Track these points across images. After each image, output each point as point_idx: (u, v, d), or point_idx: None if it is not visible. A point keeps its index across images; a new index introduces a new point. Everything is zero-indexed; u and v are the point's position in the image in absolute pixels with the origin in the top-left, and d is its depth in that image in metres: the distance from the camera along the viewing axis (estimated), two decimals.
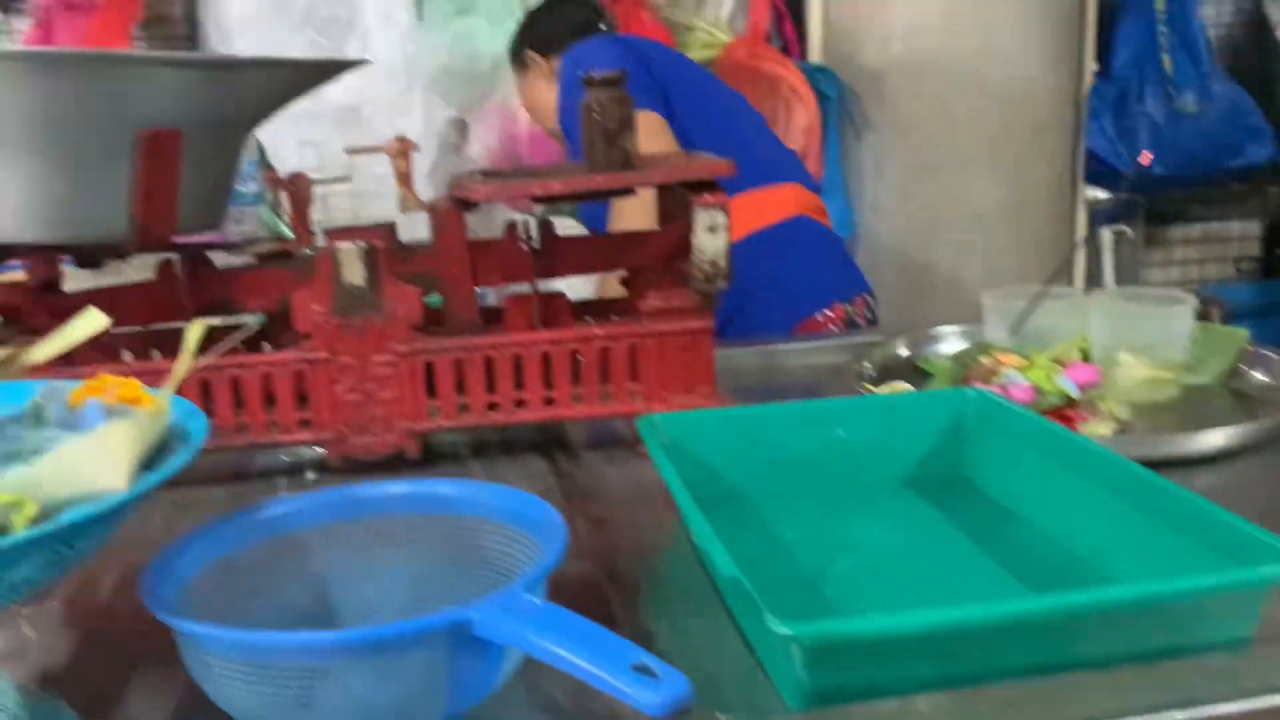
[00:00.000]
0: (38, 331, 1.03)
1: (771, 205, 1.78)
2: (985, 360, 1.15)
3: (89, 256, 1.02)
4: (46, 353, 0.63)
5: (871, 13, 2.56)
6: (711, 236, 1.00)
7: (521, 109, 2.41)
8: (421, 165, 2.63)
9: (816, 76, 2.51)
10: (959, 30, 2.47)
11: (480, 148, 2.56)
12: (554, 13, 2.01)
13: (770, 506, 0.89)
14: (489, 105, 2.53)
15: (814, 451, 0.94)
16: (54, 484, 0.48)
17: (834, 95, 2.57)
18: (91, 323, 0.64)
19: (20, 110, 0.85)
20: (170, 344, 1.07)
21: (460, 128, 2.61)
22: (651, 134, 1.64)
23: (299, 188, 1.04)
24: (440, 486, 0.74)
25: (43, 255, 1.02)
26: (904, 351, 1.30)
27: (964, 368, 1.19)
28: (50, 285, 1.08)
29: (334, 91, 2.69)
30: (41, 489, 0.48)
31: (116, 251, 0.98)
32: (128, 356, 1.10)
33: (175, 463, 0.54)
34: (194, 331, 0.58)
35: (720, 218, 1.00)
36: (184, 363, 0.57)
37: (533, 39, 1.99)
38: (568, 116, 1.82)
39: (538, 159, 2.48)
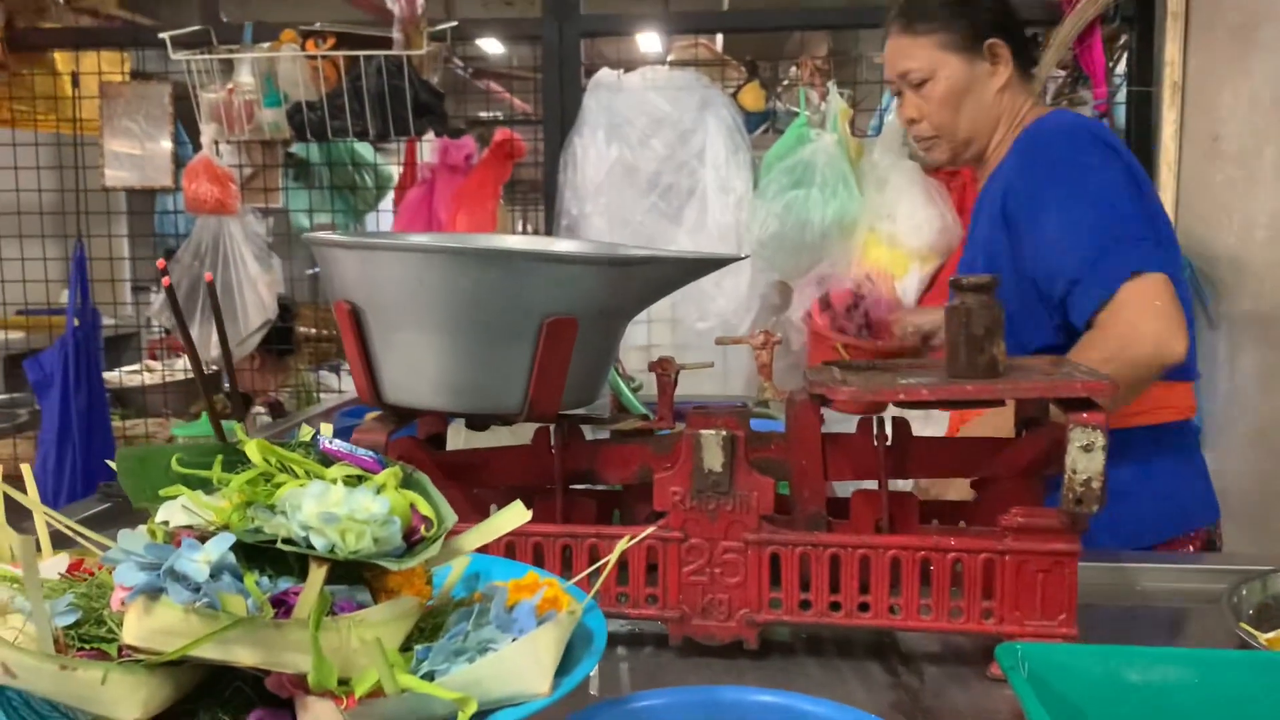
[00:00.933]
0: None
1: (1169, 400, 1.55)
2: None
3: (479, 421, 1.12)
4: (475, 541, 0.69)
5: (1231, 199, 2.40)
6: (1087, 456, 0.96)
7: (841, 273, 2.45)
8: (744, 322, 2.72)
9: None
10: None
11: (801, 311, 2.60)
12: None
13: None
14: (812, 273, 2.59)
15: (1195, 707, 0.85)
16: (491, 683, 0.52)
17: (1186, 283, 2.42)
18: (516, 516, 0.69)
19: (443, 296, 0.95)
20: (540, 503, 1.15)
21: (783, 291, 2.68)
22: (1152, 300, 1.34)
23: (665, 369, 1.09)
24: (802, 703, 0.73)
25: (437, 415, 1.14)
26: None
27: None
28: (436, 439, 1.20)
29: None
30: (480, 686, 0.52)
31: (505, 420, 1.07)
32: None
33: (583, 670, 0.57)
34: (620, 545, 0.61)
35: (1099, 438, 0.95)
36: (604, 573, 0.61)
37: (1005, 24, 1.60)
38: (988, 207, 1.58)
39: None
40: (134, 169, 2.80)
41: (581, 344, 1.02)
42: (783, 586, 1.03)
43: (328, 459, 0.65)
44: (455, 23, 2.61)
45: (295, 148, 2.80)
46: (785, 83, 2.85)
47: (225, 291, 2.68)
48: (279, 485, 0.60)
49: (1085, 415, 0.96)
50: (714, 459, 1.03)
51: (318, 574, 0.55)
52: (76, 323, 2.89)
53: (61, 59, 2.87)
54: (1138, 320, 1.33)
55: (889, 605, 1.02)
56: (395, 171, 2.92)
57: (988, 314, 1.05)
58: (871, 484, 1.10)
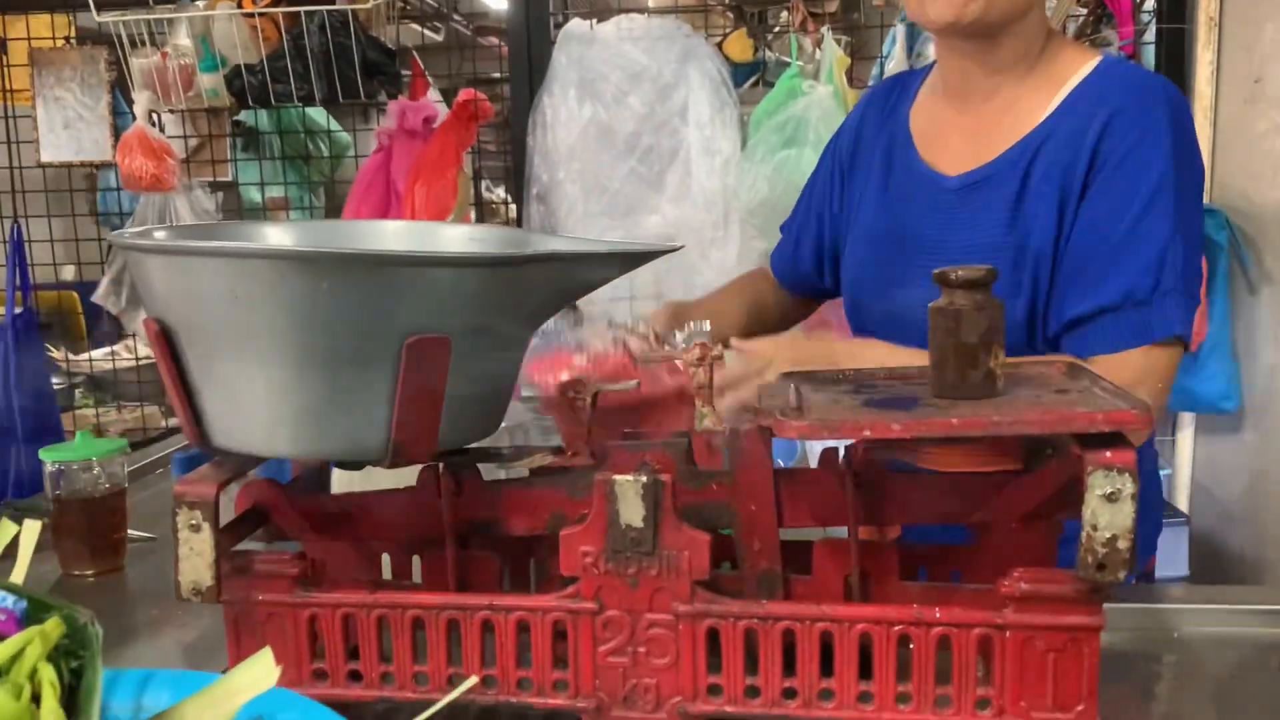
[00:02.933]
0: (285, 536, 0.92)
1: None
2: None
3: (348, 462, 0.90)
4: (199, 712, 0.47)
5: (1276, 147, 2.13)
6: (1111, 509, 0.73)
7: None
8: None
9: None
10: None
11: None
12: None
13: None
14: None
15: None
16: None
17: (1224, 242, 2.16)
18: (261, 676, 0.47)
19: (270, 313, 0.73)
20: (434, 556, 0.93)
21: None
22: (1159, 379, 1.10)
23: (578, 391, 0.87)
24: None
25: None
26: None
27: None
28: (317, 478, 0.98)
29: (652, 220, 2.64)
30: None
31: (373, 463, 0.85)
32: (386, 563, 0.98)
33: None
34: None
35: (1127, 484, 0.72)
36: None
37: None
38: None
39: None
40: (71, 142, 2.58)
41: (461, 366, 0.79)
42: (724, 669, 0.81)
43: None
44: None
45: (243, 115, 2.56)
46: (776, 30, 2.59)
47: None
48: None
49: (1109, 454, 0.72)
50: (633, 511, 0.80)
51: None
52: (19, 309, 2.69)
53: None
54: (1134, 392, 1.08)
55: (858, 693, 0.80)
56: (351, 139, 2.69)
57: (984, 317, 0.82)
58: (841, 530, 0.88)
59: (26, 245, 2.62)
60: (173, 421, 2.98)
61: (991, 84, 1.20)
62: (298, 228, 0.96)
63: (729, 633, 0.81)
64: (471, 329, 0.79)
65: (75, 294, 3.93)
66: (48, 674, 0.41)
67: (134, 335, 3.42)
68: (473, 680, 0.70)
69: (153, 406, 3.57)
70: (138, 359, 3.48)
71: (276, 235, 0.96)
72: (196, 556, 0.81)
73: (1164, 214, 1.09)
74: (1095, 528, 0.73)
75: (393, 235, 0.99)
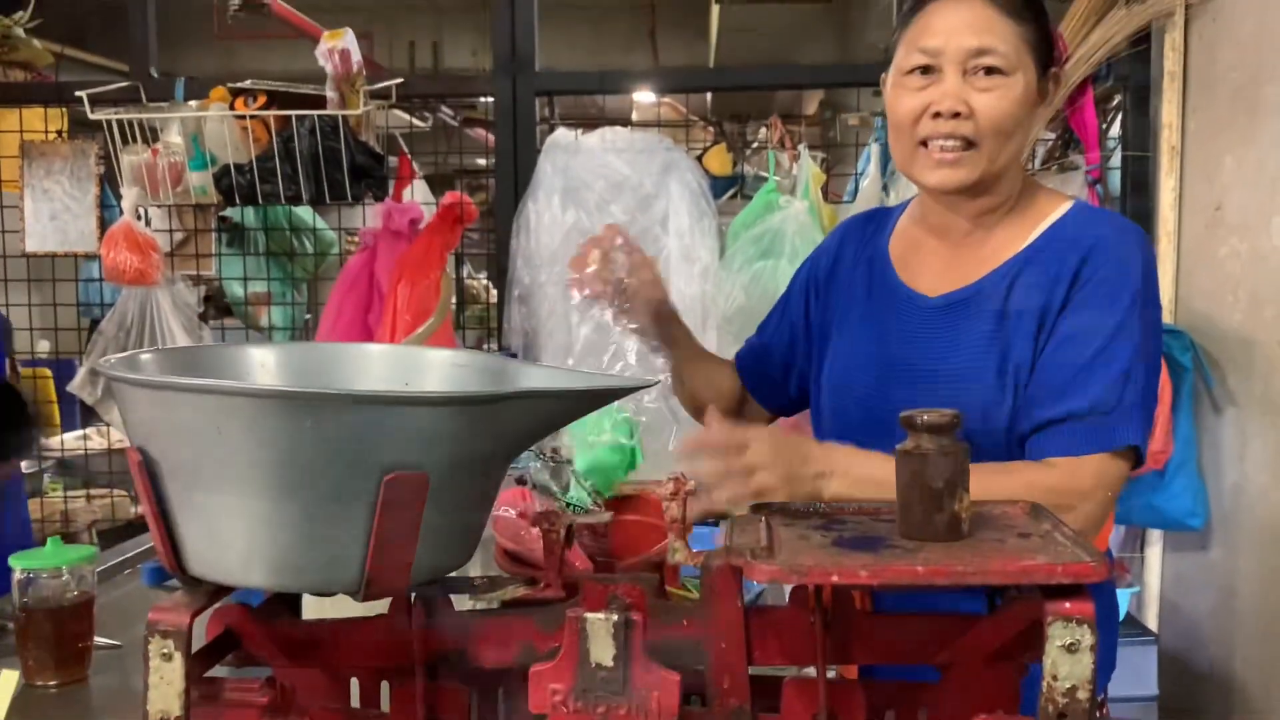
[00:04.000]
0: (255, 661, 0.92)
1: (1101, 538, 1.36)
2: None
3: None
4: None
5: (1237, 273, 2.20)
6: (1070, 659, 0.74)
7: None
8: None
9: (1168, 341, 2.18)
10: None
11: None
12: None
13: None
14: None
15: None
16: None
17: (1188, 363, 2.21)
18: None
19: (249, 449, 0.75)
20: (403, 684, 0.93)
21: None
22: (1108, 488, 1.16)
23: (553, 524, 0.88)
24: None
25: None
26: None
27: None
28: (288, 602, 0.98)
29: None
30: None
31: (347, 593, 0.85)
32: (355, 691, 0.97)
33: None
34: None
35: (1086, 635, 0.74)
36: None
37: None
38: None
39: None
40: (57, 233, 2.61)
41: (437, 501, 0.81)
42: None
43: None
44: (399, 80, 2.43)
45: (228, 211, 2.60)
46: (754, 145, 2.67)
47: None
48: None
49: (1069, 605, 0.74)
50: (603, 650, 0.81)
51: None
52: None
53: None
54: (1087, 497, 1.13)
55: None
56: (336, 236, 2.73)
57: (949, 463, 0.84)
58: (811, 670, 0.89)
59: (7, 334, 2.63)
60: (139, 509, 2.95)
61: (971, 225, 1.27)
62: (282, 350, 0.98)
63: None
64: (449, 464, 0.80)
65: (50, 376, 3.92)
66: None
67: (108, 425, 3.40)
68: None
69: (122, 493, 3.53)
70: (110, 444, 3.46)
71: (260, 358, 0.98)
72: (166, 685, 0.81)
73: (1130, 338, 1.16)
74: (1055, 678, 0.74)
75: (377, 359, 1.01)
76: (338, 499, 0.78)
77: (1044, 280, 1.20)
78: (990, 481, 1.00)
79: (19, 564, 1.26)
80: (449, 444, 0.80)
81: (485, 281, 3.63)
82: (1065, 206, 1.26)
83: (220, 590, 0.86)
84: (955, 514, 0.84)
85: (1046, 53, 1.23)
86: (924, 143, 1.20)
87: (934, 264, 1.30)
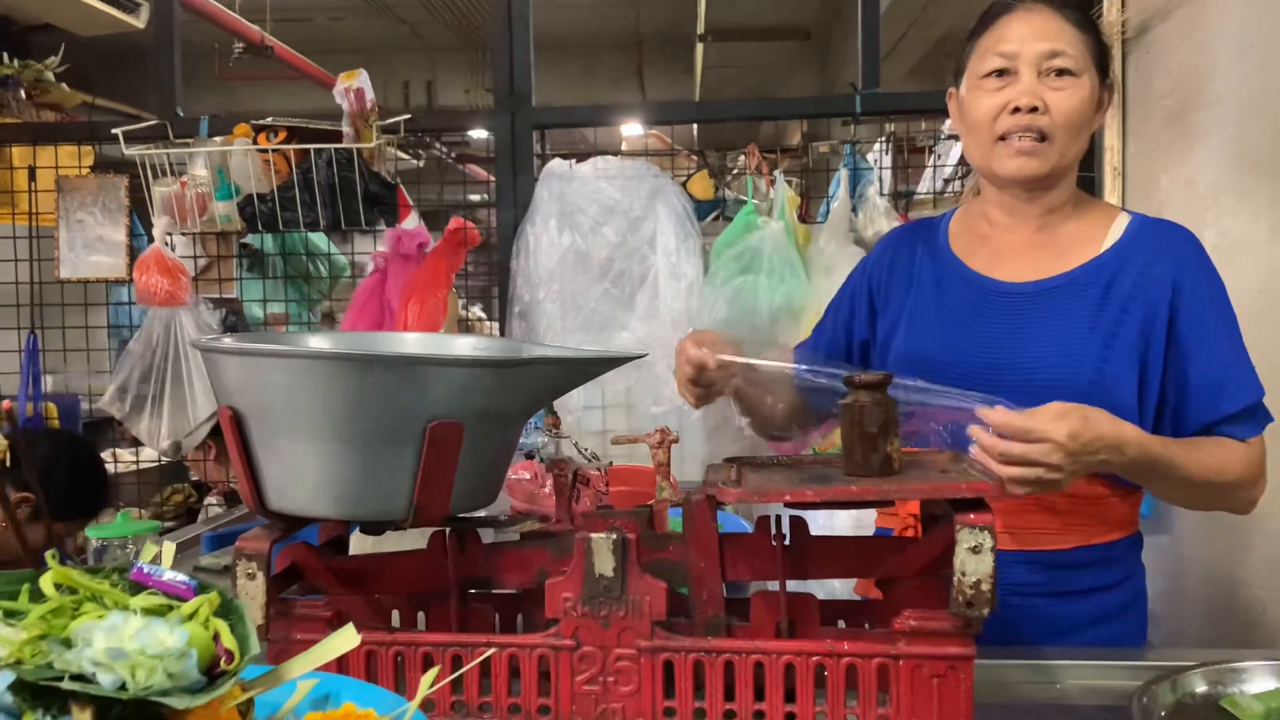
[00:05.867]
0: (318, 590, 1.11)
1: (1131, 512, 1.43)
2: None
3: (371, 526, 1.10)
4: (304, 666, 0.67)
5: None
6: (975, 559, 0.94)
7: None
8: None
9: None
10: None
11: None
12: None
13: None
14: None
15: None
16: None
17: None
18: (347, 640, 0.67)
19: (322, 402, 0.94)
20: (436, 609, 1.13)
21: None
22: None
23: (562, 470, 1.08)
24: None
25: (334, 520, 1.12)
26: (1201, 688, 1.14)
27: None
28: (339, 543, 1.18)
29: (623, 336, 2.88)
30: None
31: (396, 524, 1.05)
32: (396, 618, 1.16)
33: None
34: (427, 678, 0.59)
35: (986, 539, 0.94)
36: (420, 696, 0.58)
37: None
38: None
39: None
40: (88, 261, 2.81)
41: (470, 447, 1.00)
42: (677, 695, 1.00)
43: (139, 586, 0.63)
44: (408, 115, 2.64)
45: (249, 238, 2.81)
46: (734, 172, 2.89)
47: (175, 382, 2.67)
48: (81, 616, 0.58)
49: (972, 516, 0.94)
50: (605, 563, 1.01)
51: (81, 717, 0.52)
52: (30, 412, 2.87)
53: (20, 153, 2.89)
54: (1263, 471, 1.36)
55: (785, 713, 0.99)
56: (349, 260, 2.93)
57: (881, 411, 1.05)
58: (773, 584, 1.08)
59: (41, 354, 2.82)
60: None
61: (1040, 221, 1.41)
62: (339, 337, 1.18)
63: (680, 665, 1.00)
64: (479, 416, 1.00)
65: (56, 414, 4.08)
66: (216, 621, 0.61)
67: (135, 441, 3.57)
68: None
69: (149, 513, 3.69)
70: (138, 462, 3.63)
71: (323, 343, 1.18)
72: (250, 599, 1.00)
73: (1238, 333, 1.37)
74: (964, 574, 0.94)
75: (413, 343, 1.21)
76: (391, 443, 0.97)
77: (1149, 273, 1.34)
78: (1205, 455, 1.29)
79: (95, 533, 1.46)
80: (480, 399, 0.99)
81: (480, 314, 3.79)
82: (1125, 215, 1.41)
83: (292, 525, 1.05)
84: (888, 455, 1.04)
85: (1104, 62, 1.39)
86: (1002, 137, 1.35)
87: (1010, 257, 1.42)
